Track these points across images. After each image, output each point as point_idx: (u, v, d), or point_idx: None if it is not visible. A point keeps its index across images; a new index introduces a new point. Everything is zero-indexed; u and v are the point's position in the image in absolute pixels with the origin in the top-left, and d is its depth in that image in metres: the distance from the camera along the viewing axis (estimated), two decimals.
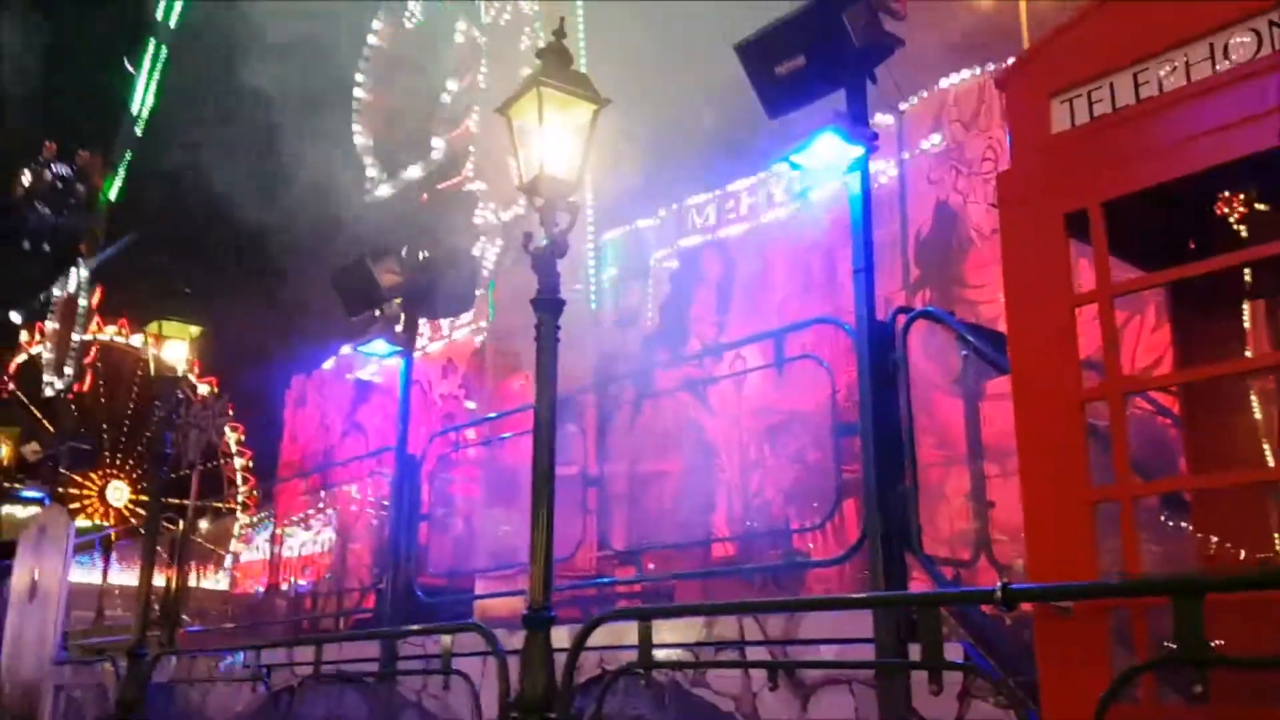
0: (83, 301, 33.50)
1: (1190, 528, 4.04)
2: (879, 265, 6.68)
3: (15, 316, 35.15)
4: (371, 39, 22.95)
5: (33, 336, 36.23)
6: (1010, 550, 5.83)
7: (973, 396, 6.21)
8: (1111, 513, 3.39)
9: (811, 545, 10.73)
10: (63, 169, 35.82)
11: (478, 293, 21.37)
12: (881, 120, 14.01)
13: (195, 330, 34.69)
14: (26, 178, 35.98)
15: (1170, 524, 4.38)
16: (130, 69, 36.22)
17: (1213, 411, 4.10)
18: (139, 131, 36.62)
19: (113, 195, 36.44)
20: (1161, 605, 3.04)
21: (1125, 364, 5.76)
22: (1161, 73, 3.46)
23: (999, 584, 3.54)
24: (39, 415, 35.48)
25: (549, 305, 6.02)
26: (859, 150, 6.52)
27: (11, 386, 35.13)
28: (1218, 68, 3.33)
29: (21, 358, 35.80)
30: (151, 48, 36.14)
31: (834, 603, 6.26)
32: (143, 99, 36.28)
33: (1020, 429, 3.64)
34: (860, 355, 6.07)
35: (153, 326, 33.60)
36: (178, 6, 35.89)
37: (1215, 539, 3.87)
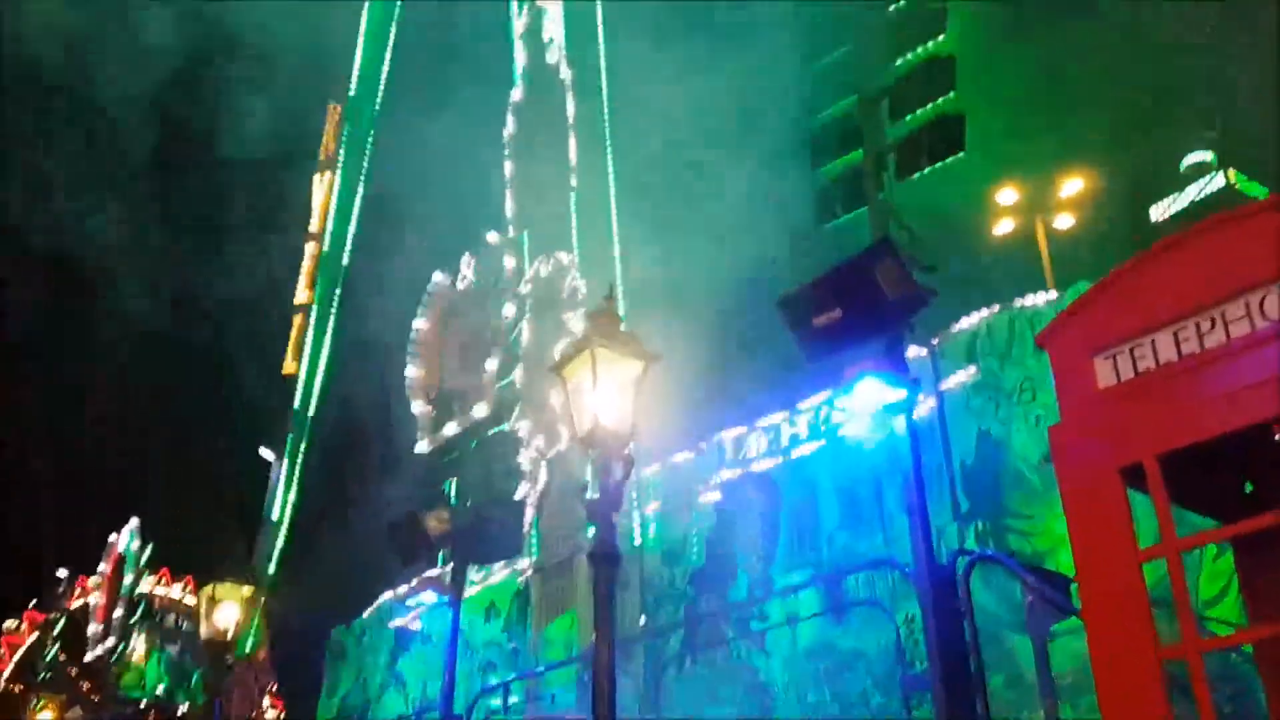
0: (132, 554, 33.81)
1: None
2: (926, 495, 6.69)
3: (62, 572, 35.40)
4: (417, 325, 24.19)
5: (75, 592, 36.28)
6: None
7: (1042, 640, 6.05)
8: None
9: None
10: None
11: (525, 530, 21.36)
12: (915, 352, 14.34)
13: (247, 590, 34.40)
14: None
15: None
16: None
17: None
18: None
19: None
20: None
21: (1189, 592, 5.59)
22: (1202, 329, 3.59)
23: None
24: (82, 680, 34.94)
25: (606, 559, 6.04)
26: (901, 393, 6.68)
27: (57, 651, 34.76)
28: (1256, 324, 3.45)
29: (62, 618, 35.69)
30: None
31: None
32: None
33: (1101, 689, 3.54)
34: (923, 602, 5.97)
35: (206, 590, 33.44)
36: None
37: None
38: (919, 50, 18.27)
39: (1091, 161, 19.79)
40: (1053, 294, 14.19)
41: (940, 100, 18.10)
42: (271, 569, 33.18)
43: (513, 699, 13.40)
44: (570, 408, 6.51)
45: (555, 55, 24.98)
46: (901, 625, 10.88)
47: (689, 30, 24.89)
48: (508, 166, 24.25)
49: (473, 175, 25.95)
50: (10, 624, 39.49)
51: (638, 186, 24.03)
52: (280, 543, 33.08)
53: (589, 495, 6.24)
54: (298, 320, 35.17)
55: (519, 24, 26.39)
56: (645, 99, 23.77)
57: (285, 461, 31.92)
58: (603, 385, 6.34)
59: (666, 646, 15.37)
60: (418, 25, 32.31)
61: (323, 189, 32.08)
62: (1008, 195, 19.31)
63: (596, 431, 6.27)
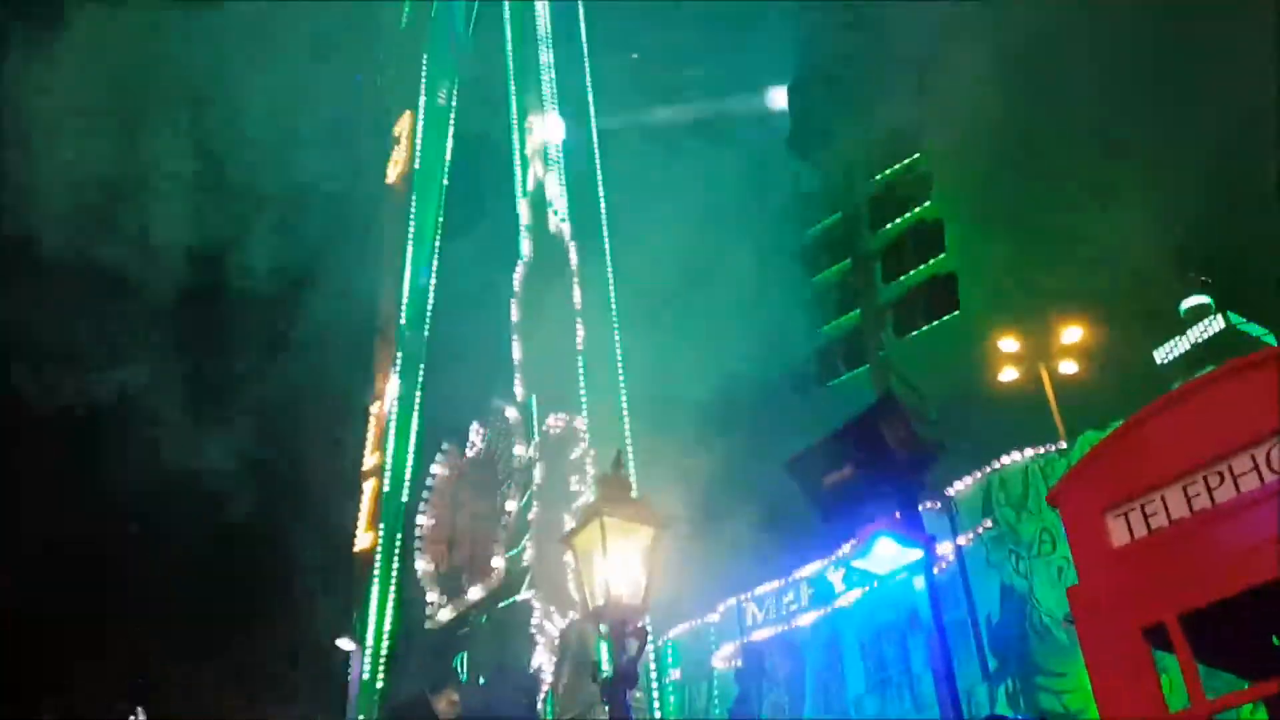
0: None
1: None
2: (953, 652, 6.51)
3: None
4: (434, 470, 24.08)
5: None
6: None
7: None
8: None
9: None
10: None
11: (538, 706, 20.63)
12: (929, 505, 14.18)
13: None
14: None
15: None
16: None
17: None
18: None
19: None
20: None
21: None
22: (1211, 483, 3.58)
23: None
24: None
25: None
26: (918, 553, 6.58)
27: None
28: (1265, 478, 3.44)
29: None
30: None
31: None
32: None
33: None
34: None
35: None
36: None
37: None
38: (907, 215, 18.86)
39: (1090, 307, 20.09)
40: (1063, 444, 14.15)
41: (932, 261, 18.53)
42: None
43: None
44: (581, 580, 6.41)
45: (555, 221, 25.85)
46: None
47: (686, 188, 25.87)
48: (515, 335, 24.69)
49: (489, 345, 26.40)
50: None
51: (645, 343, 24.40)
52: None
53: (603, 673, 6.07)
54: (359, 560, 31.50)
55: (523, 194, 27.35)
56: (647, 273, 24.44)
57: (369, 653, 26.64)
58: (613, 555, 6.26)
59: None
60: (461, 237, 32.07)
61: (377, 423, 30.45)
62: (1009, 344, 19.51)
63: (608, 605, 6.15)
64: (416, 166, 32.62)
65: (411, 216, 31.82)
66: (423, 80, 34.05)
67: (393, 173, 33.37)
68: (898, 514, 6.80)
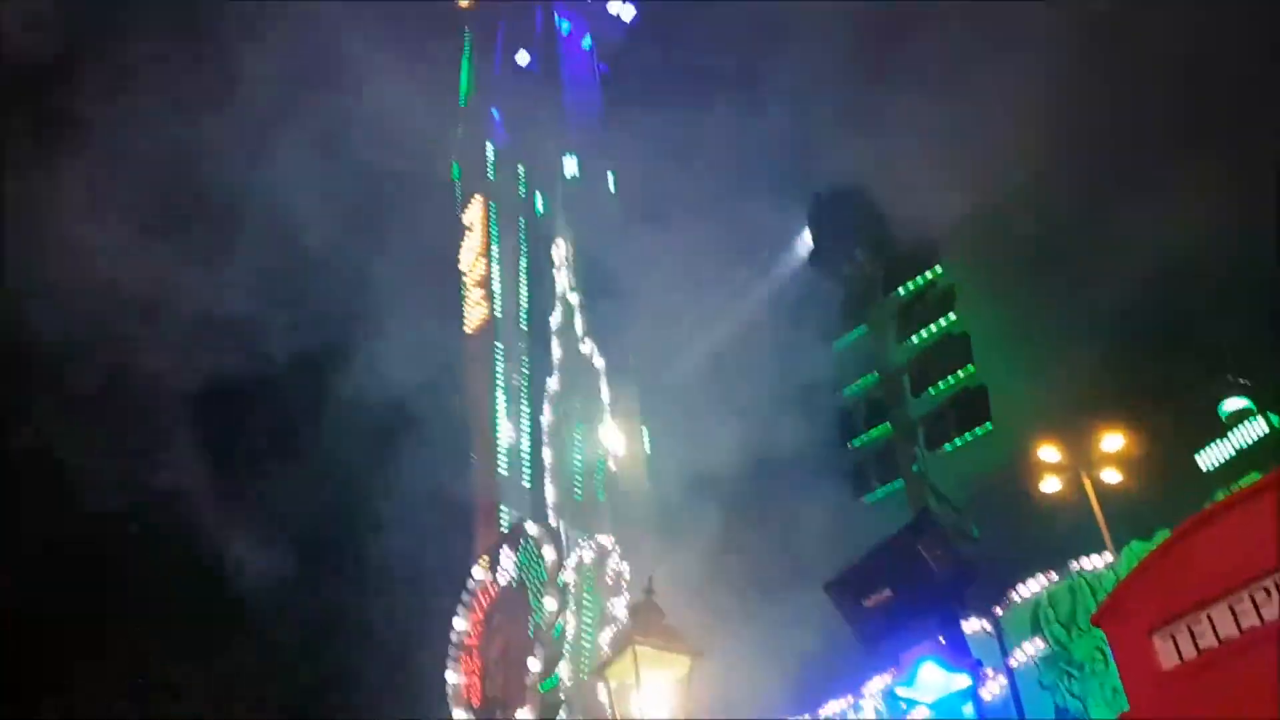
0: None
1: None
2: None
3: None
4: (470, 584, 23.69)
5: None
6: None
7: None
8: None
9: None
10: None
11: None
12: (976, 625, 13.73)
13: None
14: None
15: None
16: None
17: None
18: None
19: None
20: None
21: None
22: (1258, 599, 3.46)
23: None
24: None
25: None
26: (965, 680, 6.36)
27: None
28: None
29: None
30: None
31: None
32: None
33: None
34: None
35: None
36: None
37: None
38: (932, 329, 18.83)
39: (1129, 414, 19.75)
40: (1109, 556, 13.75)
41: (960, 373, 18.40)
42: None
43: None
44: (615, 712, 6.24)
45: (588, 347, 26.09)
46: None
47: (711, 305, 26.08)
48: (547, 454, 24.63)
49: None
50: None
51: (672, 453, 24.22)
52: None
53: None
54: None
55: (554, 320, 27.62)
56: (673, 391, 24.45)
57: None
58: (647, 686, 6.10)
59: None
60: None
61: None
62: (1050, 453, 19.15)
63: None
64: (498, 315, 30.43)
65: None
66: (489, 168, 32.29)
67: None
68: (941, 638, 6.60)
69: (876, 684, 16.52)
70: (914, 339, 18.90)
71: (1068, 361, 22.02)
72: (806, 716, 17.08)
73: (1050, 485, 19.22)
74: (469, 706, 22.37)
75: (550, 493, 24.54)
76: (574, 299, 27.11)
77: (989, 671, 13.64)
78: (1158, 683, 3.61)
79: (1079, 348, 22.48)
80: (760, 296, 26.68)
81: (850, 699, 16.64)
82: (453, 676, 22.75)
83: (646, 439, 25.46)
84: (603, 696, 6.37)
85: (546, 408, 25.67)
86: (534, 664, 20.99)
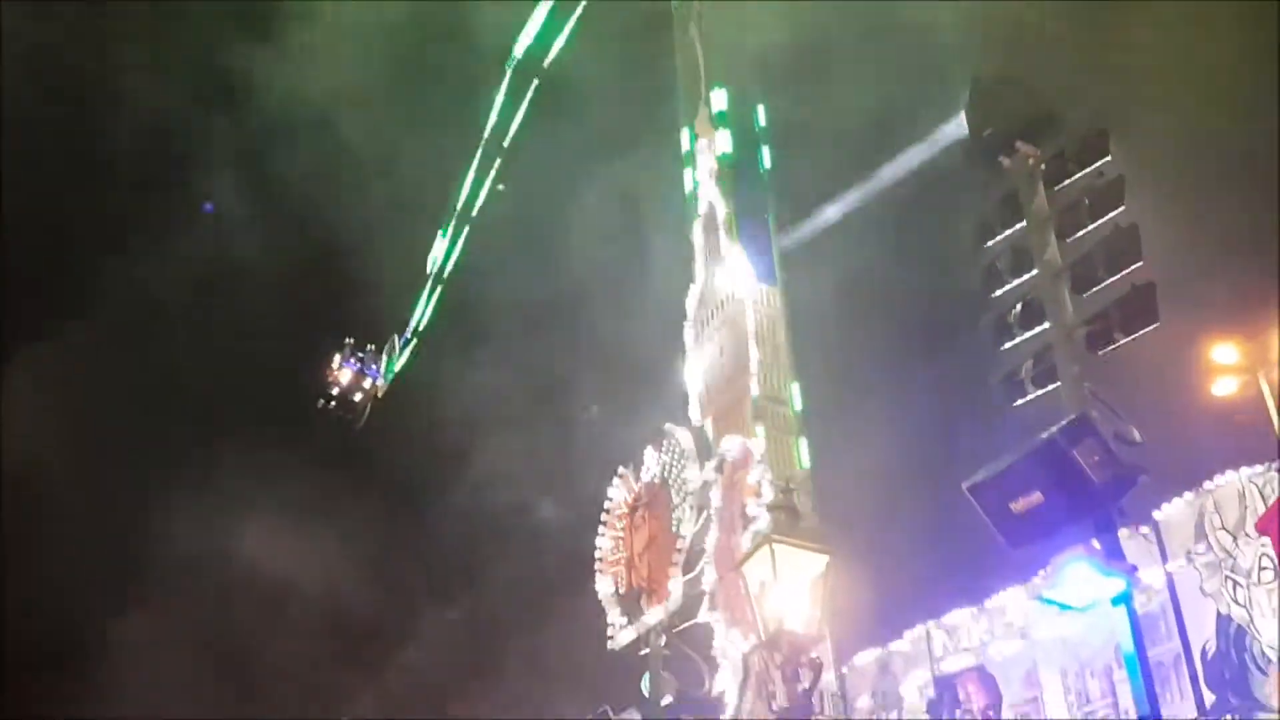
0: None
1: None
2: (1164, 689, 6.00)
3: None
4: (610, 494, 24.24)
5: None
6: None
7: None
8: None
9: None
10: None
11: None
12: (1131, 533, 13.22)
13: None
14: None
15: None
16: None
17: None
18: None
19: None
20: None
21: None
22: None
23: None
24: None
25: None
26: (1119, 584, 6.11)
27: None
28: None
29: None
30: None
31: None
32: None
33: None
34: None
35: None
36: None
37: None
38: (1099, 223, 17.69)
39: None
40: None
41: (1128, 270, 17.29)
42: None
43: None
44: (752, 609, 6.28)
45: (726, 245, 25.70)
46: None
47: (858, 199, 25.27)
48: (687, 358, 24.72)
49: (659, 367, 26.50)
50: None
51: (820, 372, 23.87)
52: None
53: (778, 703, 5.92)
54: None
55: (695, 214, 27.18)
56: (822, 300, 23.90)
57: None
58: (784, 583, 6.10)
59: None
60: None
61: None
62: (1225, 353, 17.93)
63: (780, 635, 5.99)
64: None
65: None
66: None
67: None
68: (1095, 542, 6.34)
69: (1008, 594, 16.24)
70: (1079, 234, 17.86)
71: (1242, 256, 20.53)
72: (971, 609, 16.95)
73: (1224, 387, 18.05)
74: (619, 606, 23.02)
75: (693, 392, 24.68)
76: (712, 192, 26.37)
77: (1144, 579, 13.19)
78: None
79: (1256, 245, 20.88)
80: (900, 193, 25.65)
81: (1002, 598, 16.38)
82: (601, 585, 23.40)
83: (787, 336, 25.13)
84: (743, 593, 6.41)
85: (690, 300, 25.62)
86: (677, 556, 21.45)
